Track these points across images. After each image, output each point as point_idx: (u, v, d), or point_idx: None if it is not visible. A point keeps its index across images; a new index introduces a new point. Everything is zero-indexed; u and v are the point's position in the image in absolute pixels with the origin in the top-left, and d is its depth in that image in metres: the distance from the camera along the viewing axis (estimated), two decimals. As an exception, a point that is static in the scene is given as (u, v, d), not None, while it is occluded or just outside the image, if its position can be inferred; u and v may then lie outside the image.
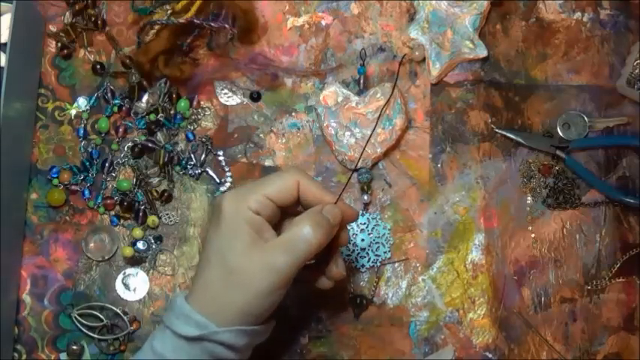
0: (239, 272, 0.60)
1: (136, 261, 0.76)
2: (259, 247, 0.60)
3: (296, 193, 0.63)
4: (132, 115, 0.77)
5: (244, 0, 0.76)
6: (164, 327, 0.62)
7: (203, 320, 0.59)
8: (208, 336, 0.59)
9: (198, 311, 0.60)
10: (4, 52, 0.70)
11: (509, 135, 0.77)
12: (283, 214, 0.64)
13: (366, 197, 0.76)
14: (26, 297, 0.75)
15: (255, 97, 0.78)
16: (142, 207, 0.76)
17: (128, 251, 0.74)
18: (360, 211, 0.75)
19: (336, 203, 0.64)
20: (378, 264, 0.75)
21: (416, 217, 0.76)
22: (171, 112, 0.77)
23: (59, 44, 0.78)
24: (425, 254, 0.76)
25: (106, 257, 0.75)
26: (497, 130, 0.77)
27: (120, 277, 0.75)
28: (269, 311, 0.62)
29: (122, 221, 0.76)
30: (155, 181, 0.77)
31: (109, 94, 0.78)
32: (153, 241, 0.76)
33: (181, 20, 0.74)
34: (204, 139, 0.77)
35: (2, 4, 0.73)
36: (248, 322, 0.61)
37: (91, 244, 0.76)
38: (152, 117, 0.77)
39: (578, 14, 0.79)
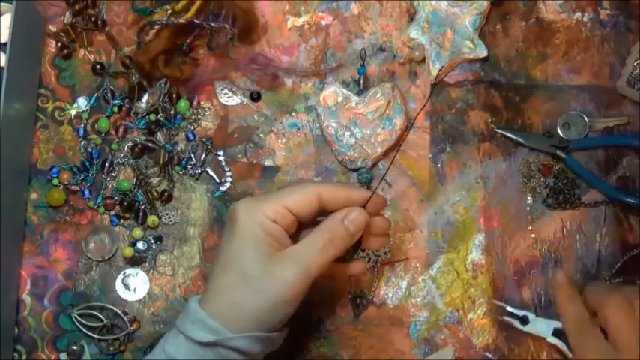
0: (254, 279, 0.60)
1: (136, 261, 0.76)
2: (274, 255, 0.60)
3: (316, 205, 0.62)
4: (132, 115, 0.77)
5: (244, 0, 0.76)
6: (177, 331, 0.61)
7: (217, 326, 0.59)
8: (222, 342, 0.59)
9: (213, 316, 0.60)
10: (4, 52, 0.70)
11: (509, 135, 0.77)
12: (302, 223, 0.64)
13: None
14: (26, 297, 0.75)
15: (255, 97, 0.78)
16: (142, 207, 0.76)
17: (128, 251, 0.74)
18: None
19: (364, 207, 0.63)
20: (378, 264, 0.75)
21: (416, 217, 0.76)
22: (171, 112, 0.77)
23: (59, 44, 0.78)
24: (425, 254, 0.76)
25: (106, 257, 0.75)
26: (497, 130, 0.77)
27: (120, 277, 0.75)
28: (284, 319, 0.62)
29: (122, 221, 0.76)
30: (155, 181, 0.77)
31: (109, 94, 0.78)
32: (153, 241, 0.76)
33: (181, 20, 0.74)
34: (204, 139, 0.77)
35: (2, 4, 0.73)
36: (263, 328, 0.60)
37: (91, 244, 0.76)
38: (152, 117, 0.77)
39: (578, 14, 0.79)
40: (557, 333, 0.72)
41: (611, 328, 0.66)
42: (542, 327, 0.73)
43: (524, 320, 0.73)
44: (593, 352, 0.67)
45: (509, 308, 0.74)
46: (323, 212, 0.64)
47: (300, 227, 0.64)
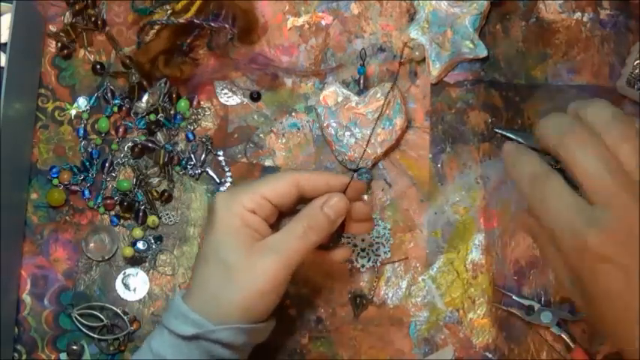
0: (234, 270, 0.60)
1: (136, 261, 0.76)
2: (253, 246, 0.60)
3: (294, 193, 0.62)
4: (132, 115, 0.77)
5: (244, 0, 0.76)
6: (162, 327, 0.62)
7: (199, 319, 0.59)
8: (205, 335, 0.59)
9: (196, 310, 0.60)
10: (4, 52, 0.70)
11: (508, 135, 0.76)
12: (283, 212, 0.64)
13: (365, 197, 0.76)
14: (26, 297, 0.75)
15: (255, 97, 0.78)
16: (142, 207, 0.76)
17: (128, 251, 0.74)
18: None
19: (345, 192, 0.63)
20: (378, 264, 0.75)
21: (416, 217, 0.76)
22: (171, 112, 0.77)
23: (59, 44, 0.78)
24: (425, 254, 0.76)
25: (106, 257, 0.75)
26: (496, 131, 0.77)
27: (120, 277, 0.75)
28: (267, 310, 0.62)
29: (122, 221, 0.76)
30: (155, 181, 0.77)
31: (109, 94, 0.78)
32: (153, 241, 0.76)
33: (181, 20, 0.74)
34: (204, 139, 0.77)
35: (2, 4, 0.73)
36: (246, 320, 0.60)
37: (91, 244, 0.76)
38: (152, 117, 0.77)
39: (578, 14, 0.79)
40: (561, 323, 0.73)
41: (577, 171, 0.50)
42: (546, 317, 0.73)
43: (529, 310, 0.73)
44: (558, 207, 0.50)
45: (515, 297, 0.74)
46: (303, 200, 0.64)
47: (281, 216, 0.64)
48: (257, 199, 0.61)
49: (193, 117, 0.78)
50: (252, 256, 0.60)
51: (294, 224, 0.61)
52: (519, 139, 0.76)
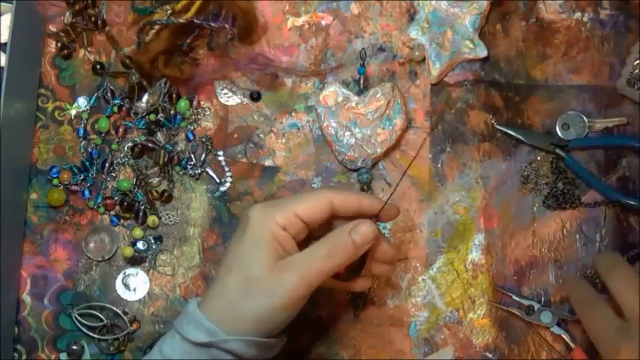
0: (256, 283, 0.60)
1: (136, 261, 0.76)
2: (278, 261, 0.60)
3: (327, 212, 0.62)
4: (132, 115, 0.77)
5: (244, 0, 0.76)
6: (174, 332, 0.62)
7: (213, 327, 0.59)
8: (217, 343, 0.59)
9: (211, 318, 0.60)
10: (4, 52, 0.70)
11: (509, 131, 0.77)
12: (312, 230, 0.64)
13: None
14: (26, 297, 0.75)
15: (255, 97, 0.78)
16: (142, 207, 0.76)
17: (128, 251, 0.74)
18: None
19: (377, 216, 0.63)
20: (378, 264, 0.75)
21: (416, 217, 0.76)
22: (171, 112, 0.77)
23: (59, 44, 0.78)
24: (425, 254, 0.76)
25: (106, 257, 0.75)
26: (497, 127, 0.77)
27: (120, 277, 0.75)
28: (281, 325, 0.62)
29: (122, 221, 0.76)
30: (155, 181, 0.77)
31: (109, 94, 0.78)
32: (153, 241, 0.76)
33: (181, 20, 0.74)
34: (204, 139, 0.77)
35: (2, 4, 0.73)
36: (260, 333, 0.60)
37: (91, 244, 0.76)
38: (152, 117, 0.77)
39: (578, 14, 0.79)
40: (561, 323, 0.73)
41: (618, 299, 0.65)
42: (546, 317, 0.73)
43: (529, 310, 0.73)
44: (603, 325, 0.65)
45: (515, 297, 0.74)
46: (334, 220, 0.64)
47: (310, 233, 0.64)
48: (290, 216, 0.61)
49: (193, 117, 0.78)
50: (274, 272, 0.60)
51: (319, 245, 0.61)
52: (520, 136, 0.77)
